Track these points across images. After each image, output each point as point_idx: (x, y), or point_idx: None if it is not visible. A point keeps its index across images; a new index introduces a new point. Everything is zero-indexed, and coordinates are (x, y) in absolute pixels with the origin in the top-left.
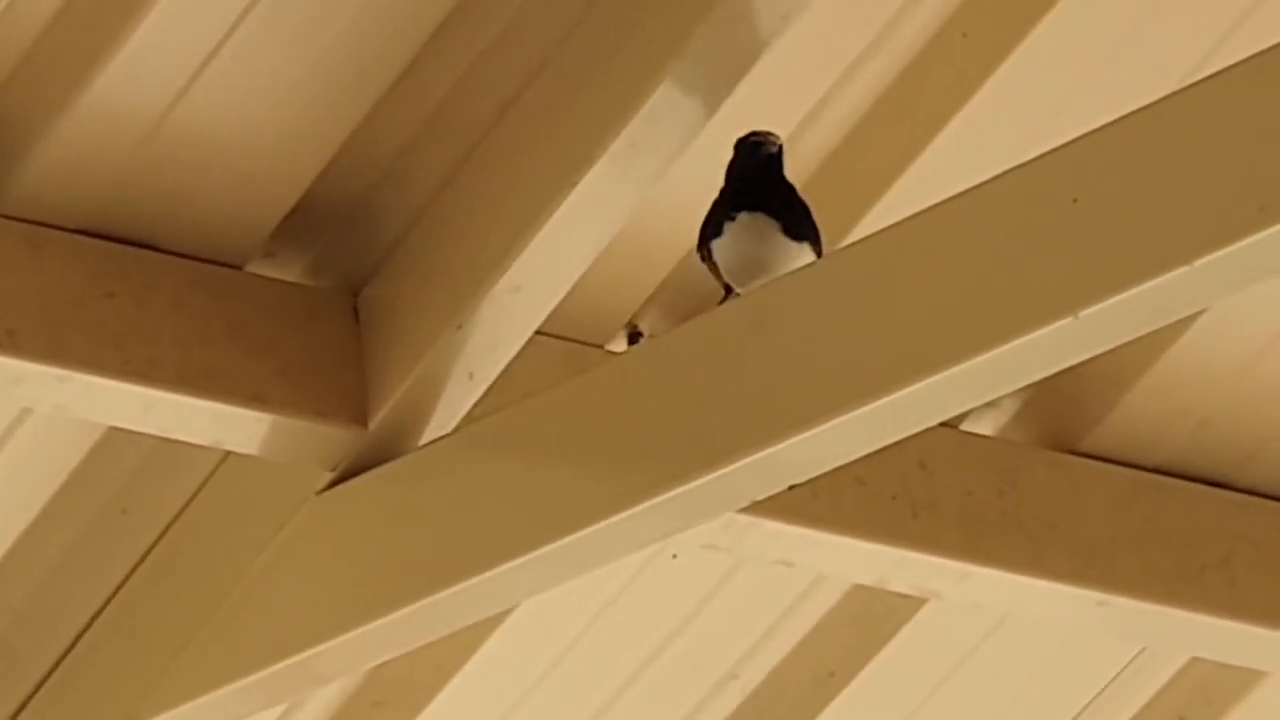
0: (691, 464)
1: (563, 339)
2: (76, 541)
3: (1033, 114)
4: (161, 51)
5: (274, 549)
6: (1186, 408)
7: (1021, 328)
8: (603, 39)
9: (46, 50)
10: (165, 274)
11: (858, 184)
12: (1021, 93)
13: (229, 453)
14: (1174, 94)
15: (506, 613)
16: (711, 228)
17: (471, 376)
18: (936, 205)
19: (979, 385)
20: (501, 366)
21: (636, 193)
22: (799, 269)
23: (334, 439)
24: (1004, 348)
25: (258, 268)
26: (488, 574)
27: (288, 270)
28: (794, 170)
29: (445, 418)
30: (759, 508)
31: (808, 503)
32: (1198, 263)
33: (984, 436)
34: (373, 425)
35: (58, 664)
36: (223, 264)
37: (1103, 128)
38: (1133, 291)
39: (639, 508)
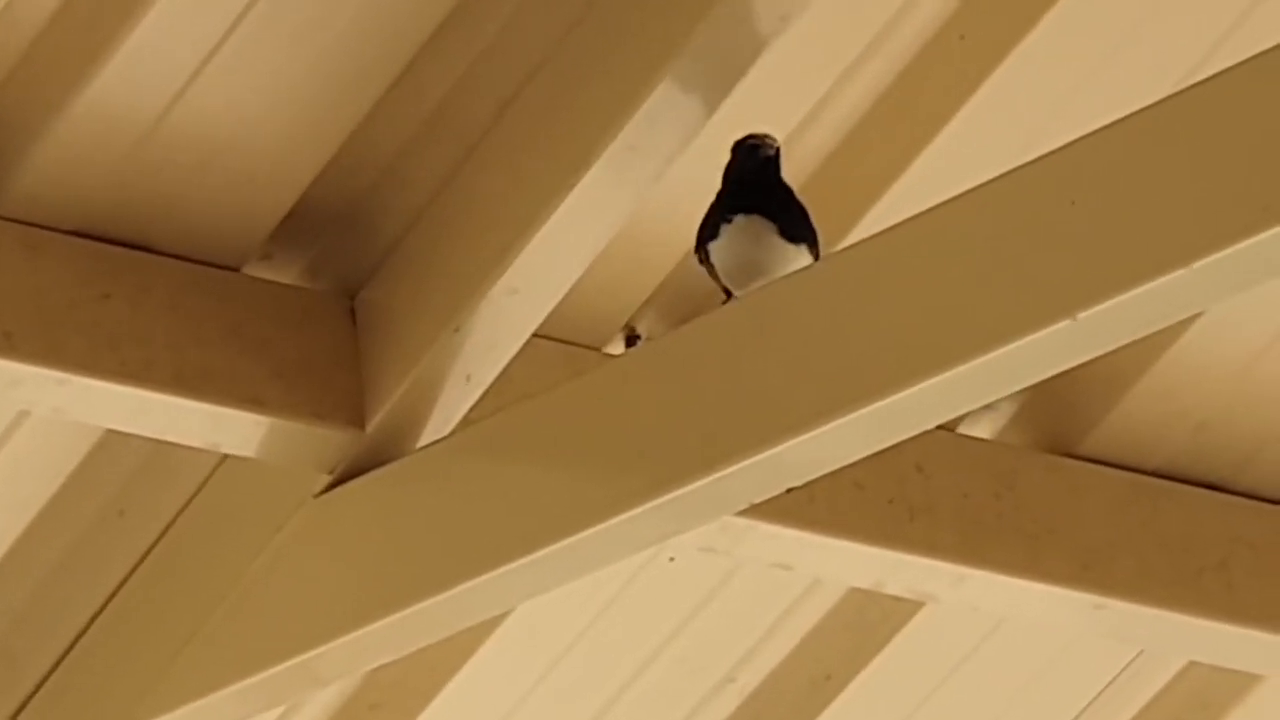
0: (689, 467)
1: (560, 341)
2: (75, 544)
3: (1031, 115)
4: (159, 52)
5: (272, 551)
6: (1185, 410)
7: (1020, 330)
8: (601, 40)
9: (44, 51)
10: (162, 276)
11: (856, 185)
12: (1020, 94)
13: (226, 455)
14: (1172, 95)
15: (504, 615)
16: (709, 230)
17: (469, 379)
18: (934, 207)
19: (977, 388)
20: (499, 369)
21: (634, 195)
22: (797, 271)
23: (331, 441)
24: (1002, 350)
25: (255, 270)
26: (485, 577)
27: (285, 272)
28: (793, 171)
29: (443, 420)
30: (756, 511)
31: (805, 506)
32: (1196, 265)
33: (981, 439)
34: (370, 428)
35: (56, 666)
36: (220, 266)
37: (1101, 129)
38: (1131, 293)
39: (636, 510)
